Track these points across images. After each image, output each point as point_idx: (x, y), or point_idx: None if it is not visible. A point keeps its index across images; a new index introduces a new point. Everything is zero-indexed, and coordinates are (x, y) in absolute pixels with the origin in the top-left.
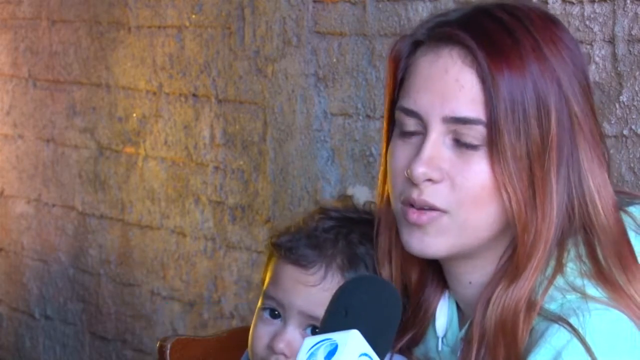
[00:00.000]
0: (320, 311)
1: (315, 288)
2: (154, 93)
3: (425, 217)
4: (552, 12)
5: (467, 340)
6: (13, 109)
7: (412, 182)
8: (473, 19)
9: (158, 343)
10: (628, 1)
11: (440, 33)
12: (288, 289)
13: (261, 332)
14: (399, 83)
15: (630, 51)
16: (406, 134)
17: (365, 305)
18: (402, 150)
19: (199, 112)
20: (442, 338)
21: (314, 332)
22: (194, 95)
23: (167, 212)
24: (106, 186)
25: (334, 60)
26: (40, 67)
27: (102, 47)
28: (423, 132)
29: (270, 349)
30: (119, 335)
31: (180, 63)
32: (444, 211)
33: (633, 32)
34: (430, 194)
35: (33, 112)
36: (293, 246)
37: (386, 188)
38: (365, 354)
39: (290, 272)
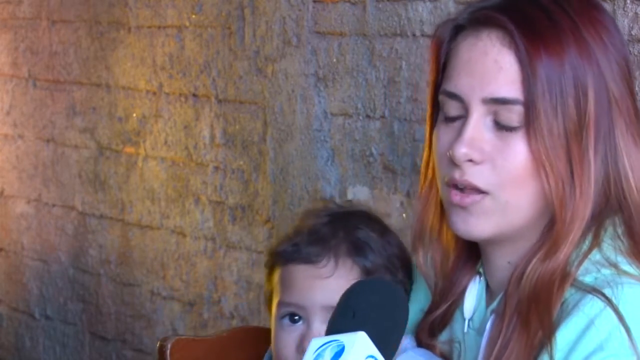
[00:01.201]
0: None
1: (330, 279)
2: (154, 93)
3: (468, 199)
4: None
5: (498, 312)
6: (13, 109)
7: (454, 164)
8: (512, 2)
9: (158, 343)
10: (628, 1)
11: (480, 16)
12: (305, 288)
13: (287, 340)
14: (441, 68)
15: (630, 51)
16: (449, 118)
17: (373, 307)
18: (445, 133)
19: (199, 112)
20: (469, 320)
21: None
22: (194, 95)
23: (167, 212)
24: (106, 186)
25: (334, 60)
26: (40, 67)
27: (102, 47)
28: (465, 115)
29: (302, 351)
30: (119, 335)
31: (180, 63)
32: (485, 192)
33: (633, 32)
34: (472, 175)
35: (33, 112)
36: (297, 248)
37: (429, 172)
38: (372, 356)
39: (302, 272)
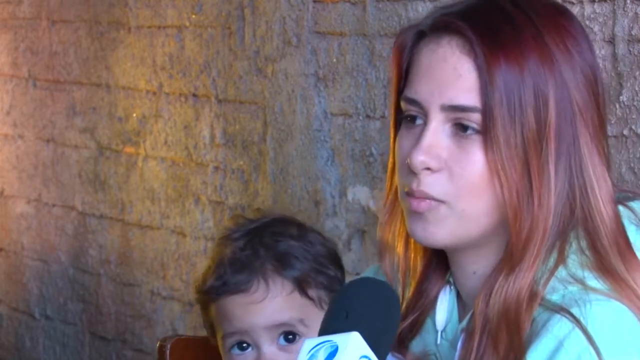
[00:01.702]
0: (281, 315)
1: (265, 301)
2: (154, 93)
3: (424, 204)
4: None
5: (468, 330)
6: (13, 109)
7: (412, 172)
8: (475, 9)
9: (158, 343)
10: (628, 1)
11: (441, 23)
12: (243, 316)
13: None
14: (404, 74)
15: (630, 51)
16: (410, 124)
17: (366, 307)
18: (406, 139)
19: (199, 112)
20: (442, 332)
21: (287, 337)
22: (194, 95)
23: (167, 212)
24: (106, 186)
25: (334, 60)
26: (40, 67)
27: (102, 47)
28: (425, 122)
29: None
30: (119, 335)
31: (180, 63)
32: (441, 201)
33: (633, 32)
34: (428, 184)
35: (33, 112)
36: (224, 281)
37: (394, 180)
38: (366, 356)
39: (236, 302)
